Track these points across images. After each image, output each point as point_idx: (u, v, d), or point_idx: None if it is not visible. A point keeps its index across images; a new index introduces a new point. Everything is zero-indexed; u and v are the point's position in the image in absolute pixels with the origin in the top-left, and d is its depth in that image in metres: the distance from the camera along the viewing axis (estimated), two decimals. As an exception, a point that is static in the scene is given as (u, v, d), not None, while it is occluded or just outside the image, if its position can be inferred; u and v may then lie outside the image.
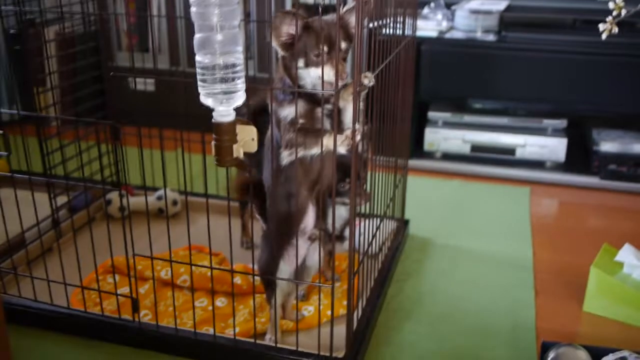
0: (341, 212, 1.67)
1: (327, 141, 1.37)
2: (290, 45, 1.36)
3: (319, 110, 1.39)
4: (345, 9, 1.35)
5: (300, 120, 1.38)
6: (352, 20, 1.36)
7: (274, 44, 1.37)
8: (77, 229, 2.08)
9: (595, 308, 1.81)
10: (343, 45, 1.35)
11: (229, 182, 1.53)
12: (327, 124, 1.41)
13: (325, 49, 1.33)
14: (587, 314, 1.82)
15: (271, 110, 1.41)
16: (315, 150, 1.41)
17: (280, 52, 1.38)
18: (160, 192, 2.28)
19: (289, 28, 1.34)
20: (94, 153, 2.13)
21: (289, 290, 1.67)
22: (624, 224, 2.40)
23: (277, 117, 1.43)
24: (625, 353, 1.49)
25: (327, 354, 1.50)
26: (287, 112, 1.40)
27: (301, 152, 1.41)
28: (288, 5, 2.90)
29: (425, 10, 2.91)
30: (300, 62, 1.36)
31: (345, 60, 1.37)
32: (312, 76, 1.37)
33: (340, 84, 1.33)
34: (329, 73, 1.33)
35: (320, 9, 1.28)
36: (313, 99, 1.39)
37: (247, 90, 1.26)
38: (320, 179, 1.49)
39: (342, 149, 1.35)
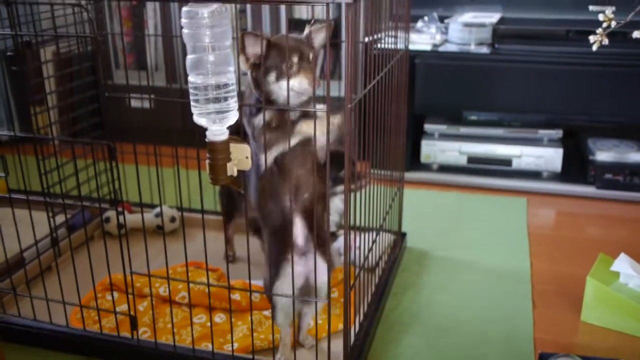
0: (337, 203, 1.60)
1: (304, 128, 1.40)
2: (258, 65, 1.39)
3: (290, 114, 1.41)
4: (315, 27, 1.41)
5: (273, 125, 1.41)
6: (319, 36, 1.42)
7: (243, 67, 1.40)
8: (76, 248, 2.09)
9: (592, 318, 1.82)
10: (310, 56, 1.39)
11: (219, 197, 1.54)
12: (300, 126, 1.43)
13: (295, 59, 1.37)
14: (585, 324, 1.82)
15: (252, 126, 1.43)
16: (293, 140, 1.41)
17: (250, 73, 1.41)
18: (159, 209, 2.29)
19: (255, 49, 1.37)
20: (92, 171, 2.14)
21: (296, 310, 1.60)
22: (621, 233, 2.41)
23: (251, 128, 1.45)
24: (621, 363, 1.49)
25: (325, 369, 1.51)
26: (259, 119, 1.41)
27: (279, 149, 1.42)
28: (283, 22, 2.93)
29: (419, 24, 2.93)
30: (272, 77, 1.38)
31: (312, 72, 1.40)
32: (283, 88, 1.38)
33: (311, 92, 1.36)
34: (302, 82, 1.36)
35: (309, 27, 1.30)
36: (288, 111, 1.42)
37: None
38: (302, 186, 1.49)
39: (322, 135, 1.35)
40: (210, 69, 1.19)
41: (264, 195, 1.51)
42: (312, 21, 1.28)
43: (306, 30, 1.43)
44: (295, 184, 1.48)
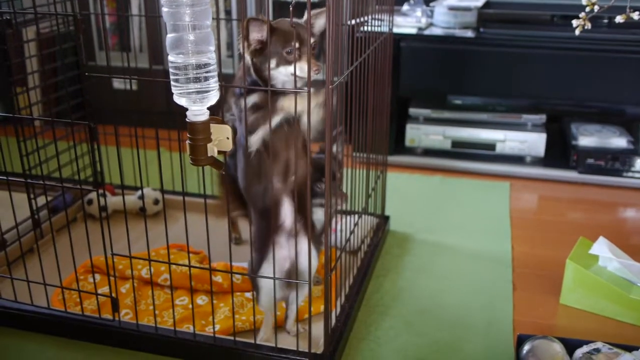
0: (318, 215, 1.62)
1: (285, 103, 1.39)
2: (260, 51, 1.39)
3: (277, 98, 1.41)
4: (314, 12, 1.39)
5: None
6: (318, 22, 1.42)
7: (245, 53, 1.40)
8: (58, 230, 2.08)
9: (571, 301, 1.84)
10: (312, 40, 1.37)
11: (204, 179, 1.53)
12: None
13: (296, 45, 1.37)
14: (564, 306, 1.84)
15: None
16: (277, 118, 1.42)
17: (250, 59, 1.40)
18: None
19: (257, 34, 1.37)
20: (74, 153, 2.12)
21: (282, 295, 1.62)
22: (602, 217, 2.43)
23: (238, 109, 1.44)
24: (598, 344, 1.51)
25: (306, 350, 1.52)
26: (249, 100, 1.41)
27: (265, 129, 1.42)
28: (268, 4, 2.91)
29: (405, 7, 2.92)
30: (272, 63, 1.39)
31: (314, 57, 1.39)
32: (283, 74, 1.40)
33: (313, 77, 1.34)
34: (303, 68, 1.35)
35: (291, 9, 1.29)
36: (274, 92, 1.42)
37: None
38: (290, 168, 1.49)
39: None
40: (191, 48, 1.18)
41: (251, 177, 1.51)
42: (293, 2, 1.27)
43: (305, 16, 1.40)
44: (283, 165, 1.48)
